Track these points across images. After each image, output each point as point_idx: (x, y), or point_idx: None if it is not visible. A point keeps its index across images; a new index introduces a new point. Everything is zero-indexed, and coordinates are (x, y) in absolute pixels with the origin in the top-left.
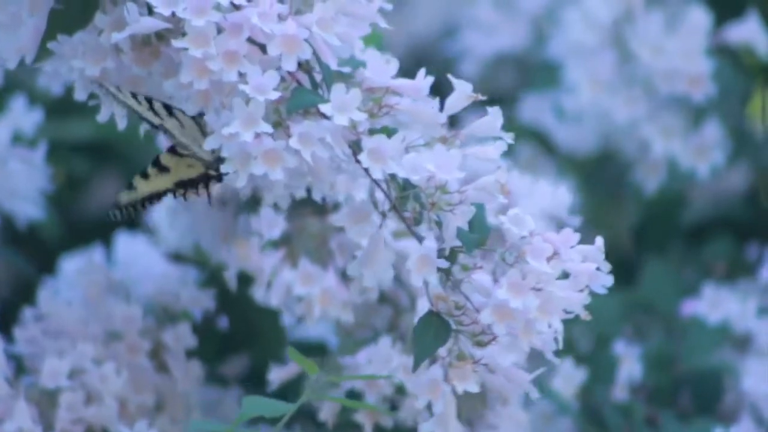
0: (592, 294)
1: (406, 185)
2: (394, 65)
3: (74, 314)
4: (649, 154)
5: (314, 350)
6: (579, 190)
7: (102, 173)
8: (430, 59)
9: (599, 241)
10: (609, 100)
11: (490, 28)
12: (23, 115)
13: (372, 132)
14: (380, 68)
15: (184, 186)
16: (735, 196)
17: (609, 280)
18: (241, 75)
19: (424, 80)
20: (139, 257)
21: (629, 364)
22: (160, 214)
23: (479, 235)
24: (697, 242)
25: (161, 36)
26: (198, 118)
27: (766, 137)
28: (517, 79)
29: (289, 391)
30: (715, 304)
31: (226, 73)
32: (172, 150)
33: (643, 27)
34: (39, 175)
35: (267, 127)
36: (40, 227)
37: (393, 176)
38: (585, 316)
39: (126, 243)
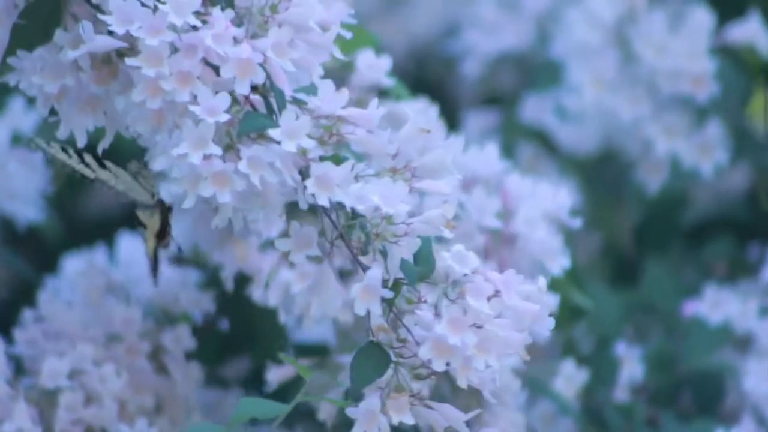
0: (593, 295)
1: (355, 214)
2: (344, 95)
3: (74, 316)
4: (652, 153)
5: (315, 351)
6: (580, 190)
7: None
8: (430, 59)
9: (542, 282)
10: (612, 100)
11: (492, 27)
12: (22, 116)
13: (323, 159)
14: (331, 98)
15: (163, 236)
16: (736, 196)
17: (551, 323)
18: (194, 96)
19: (375, 110)
20: (140, 258)
21: (630, 364)
22: None
23: (424, 268)
24: (697, 242)
25: (122, 54)
26: (131, 166)
27: (767, 137)
28: (519, 79)
29: (289, 391)
30: (716, 305)
31: (179, 94)
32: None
33: (646, 26)
34: (38, 176)
35: (216, 149)
36: (41, 228)
37: (341, 205)
38: (524, 356)
39: (127, 244)
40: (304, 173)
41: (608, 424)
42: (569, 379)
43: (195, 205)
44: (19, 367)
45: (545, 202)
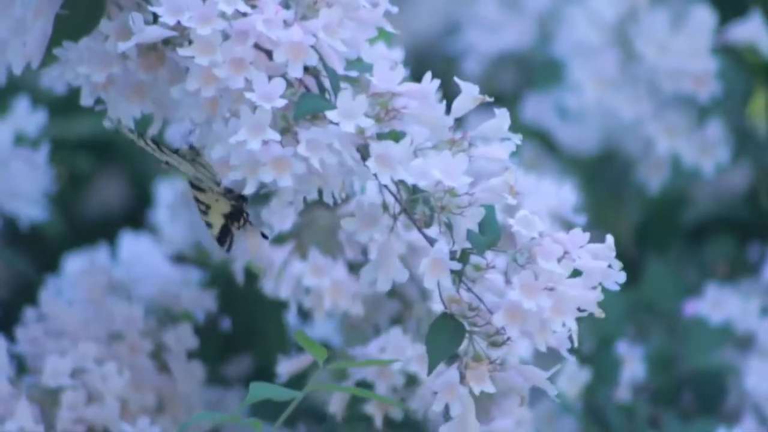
0: None
1: (416, 188)
2: (400, 71)
3: (76, 314)
4: (653, 152)
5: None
6: (581, 189)
7: (104, 172)
8: (432, 57)
9: (609, 239)
10: (613, 99)
11: (494, 26)
12: (26, 116)
13: (380, 136)
14: (386, 75)
15: (238, 219)
16: (737, 195)
17: (621, 277)
18: (248, 81)
19: (430, 84)
20: (142, 257)
21: (632, 364)
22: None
23: (490, 236)
24: (698, 242)
25: (167, 41)
26: (185, 153)
27: (767, 136)
28: (520, 78)
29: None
30: (718, 304)
31: (233, 80)
32: (195, 187)
33: (648, 26)
34: (42, 176)
35: (274, 135)
36: (43, 227)
37: (402, 180)
38: (599, 313)
39: (130, 243)
40: (362, 151)
41: (610, 423)
42: (571, 378)
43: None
44: (21, 366)
45: (549, 199)
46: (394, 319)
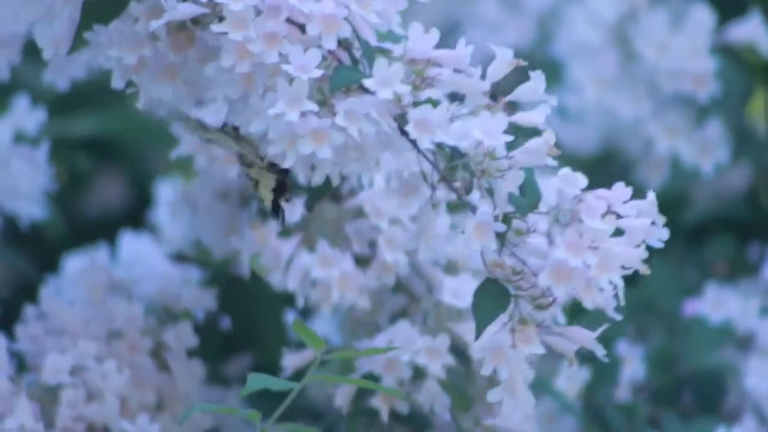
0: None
1: (454, 155)
2: (435, 34)
3: (76, 313)
4: (652, 152)
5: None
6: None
7: (104, 171)
8: None
9: (651, 195)
10: (612, 99)
11: (494, 26)
12: (26, 115)
13: (416, 104)
14: (422, 39)
15: (283, 191)
16: (736, 195)
17: (665, 234)
18: (282, 56)
19: (464, 49)
20: (142, 256)
21: (631, 364)
22: (163, 213)
23: (531, 198)
24: (698, 242)
25: (196, 21)
26: (227, 130)
27: (767, 136)
28: (519, 78)
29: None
30: (717, 304)
31: (267, 55)
32: (243, 163)
33: (647, 26)
34: (42, 174)
35: (312, 106)
36: (43, 226)
37: (440, 147)
38: (644, 270)
39: (130, 242)
40: (399, 122)
41: (609, 423)
42: (571, 378)
43: (202, 198)
44: (20, 364)
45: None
46: (395, 316)
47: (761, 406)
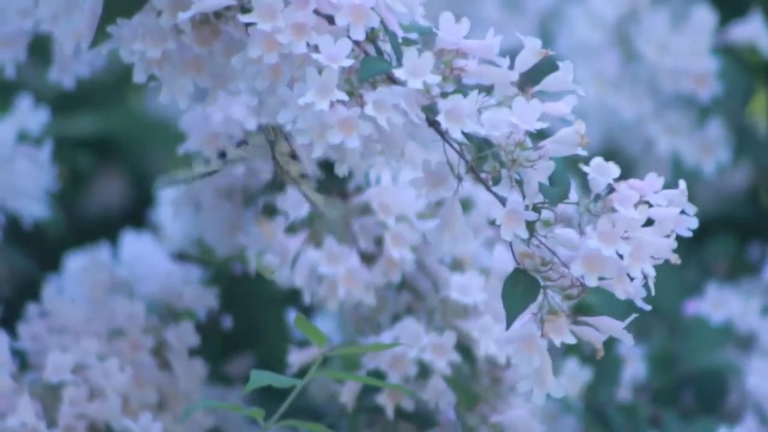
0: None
1: (482, 146)
2: (465, 24)
3: (78, 311)
4: (653, 152)
5: None
6: None
7: (106, 170)
8: None
9: (682, 184)
10: (613, 99)
11: (496, 26)
12: (29, 114)
13: (444, 95)
14: (453, 28)
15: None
16: (737, 195)
17: (694, 223)
18: (310, 46)
19: (493, 39)
20: (144, 256)
21: (633, 364)
22: (164, 212)
23: (561, 188)
24: (699, 241)
25: (219, 14)
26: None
27: None
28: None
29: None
30: (718, 304)
31: (296, 45)
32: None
33: (648, 25)
34: (44, 174)
35: (342, 95)
36: (45, 225)
37: (469, 137)
38: (675, 260)
39: (131, 241)
40: (426, 113)
41: (611, 423)
42: (572, 377)
43: (205, 197)
44: (23, 362)
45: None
46: (399, 314)
47: (762, 406)
